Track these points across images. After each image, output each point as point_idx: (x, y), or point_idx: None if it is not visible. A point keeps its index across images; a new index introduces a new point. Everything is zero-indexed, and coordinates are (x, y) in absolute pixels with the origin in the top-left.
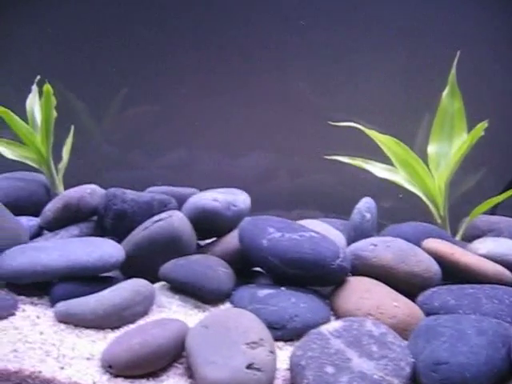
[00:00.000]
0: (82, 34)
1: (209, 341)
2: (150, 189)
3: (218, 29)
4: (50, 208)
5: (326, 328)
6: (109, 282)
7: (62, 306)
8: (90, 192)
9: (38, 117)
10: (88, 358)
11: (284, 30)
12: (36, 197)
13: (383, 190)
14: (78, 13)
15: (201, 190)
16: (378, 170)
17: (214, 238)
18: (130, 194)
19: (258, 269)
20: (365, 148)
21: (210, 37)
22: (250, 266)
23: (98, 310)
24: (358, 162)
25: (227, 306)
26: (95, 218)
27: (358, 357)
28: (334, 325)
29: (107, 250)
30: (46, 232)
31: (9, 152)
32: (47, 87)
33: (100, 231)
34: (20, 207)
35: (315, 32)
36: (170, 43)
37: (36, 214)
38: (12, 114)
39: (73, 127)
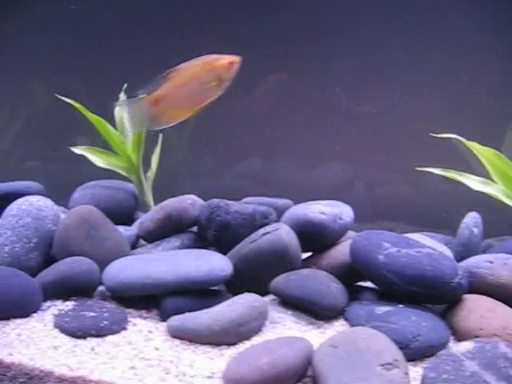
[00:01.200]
0: (159, 47)
1: (340, 361)
2: (246, 199)
3: (299, 38)
4: (151, 218)
5: (457, 349)
6: (217, 296)
7: (175, 320)
8: (191, 203)
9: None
10: (209, 377)
11: (374, 44)
12: (125, 205)
13: (465, 202)
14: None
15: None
16: (472, 182)
17: (311, 252)
18: (234, 205)
19: (363, 284)
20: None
21: (292, 47)
22: (356, 281)
23: (214, 325)
24: (451, 175)
25: (341, 322)
26: (194, 228)
27: (495, 380)
28: (466, 346)
29: (217, 263)
30: (142, 242)
31: (99, 160)
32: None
33: (201, 243)
34: (110, 216)
35: (400, 45)
36: (250, 53)
37: (125, 223)
38: (105, 122)
39: (161, 136)
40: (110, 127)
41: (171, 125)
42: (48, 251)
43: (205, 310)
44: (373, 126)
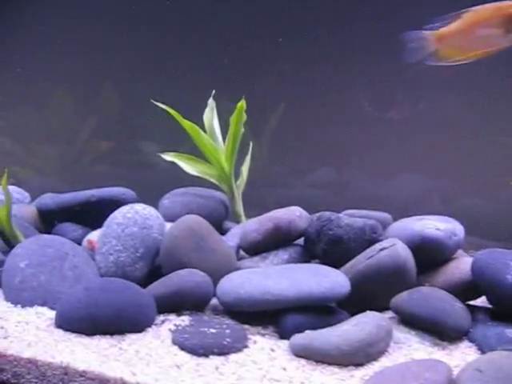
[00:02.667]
0: (247, 52)
1: None
2: (347, 212)
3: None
4: (256, 229)
5: None
6: (334, 314)
7: (301, 339)
8: (299, 215)
9: (218, 132)
10: None
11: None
12: (216, 214)
13: None
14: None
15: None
16: None
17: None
18: (344, 218)
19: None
20: None
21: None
22: (470, 299)
23: (342, 345)
24: None
25: (466, 344)
26: (299, 241)
27: None
28: None
29: (336, 279)
30: (243, 254)
31: (190, 168)
32: (242, 103)
33: (307, 256)
34: None
35: None
36: (324, 64)
37: None
38: (199, 129)
39: (251, 144)
40: (204, 135)
41: (448, 64)
42: (153, 262)
43: (330, 329)
44: (450, 136)
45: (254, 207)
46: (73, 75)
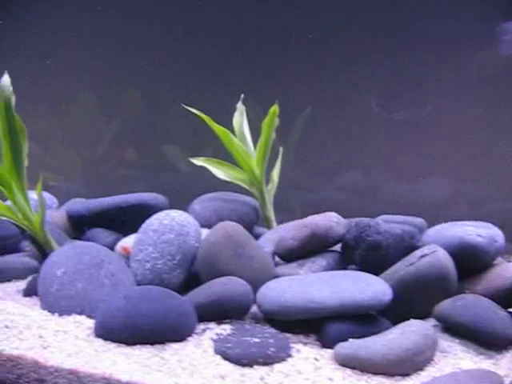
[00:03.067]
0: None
1: None
2: (382, 217)
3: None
4: (293, 236)
5: None
6: (376, 322)
7: (346, 348)
8: (336, 221)
9: (249, 137)
10: None
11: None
12: (247, 219)
13: None
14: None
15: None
16: None
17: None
18: (383, 225)
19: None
20: None
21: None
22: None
23: (389, 355)
24: None
25: None
26: (336, 247)
27: None
28: None
29: (378, 286)
30: (278, 260)
31: (220, 173)
32: (275, 108)
33: (345, 263)
34: None
35: None
36: (352, 66)
37: None
38: (230, 134)
39: (281, 149)
40: (236, 140)
41: None
42: (190, 269)
43: (374, 338)
44: (482, 138)
45: (280, 211)
46: (97, 78)
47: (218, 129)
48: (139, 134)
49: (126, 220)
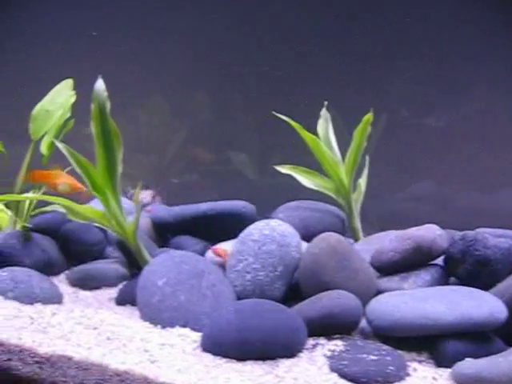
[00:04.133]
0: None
1: None
2: (480, 230)
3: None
4: (394, 248)
5: None
6: (490, 340)
7: (467, 368)
8: (439, 234)
9: (335, 145)
10: None
11: None
12: (334, 230)
13: None
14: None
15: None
16: None
17: None
18: (490, 238)
19: None
20: None
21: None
22: None
23: None
24: None
25: None
26: (437, 261)
27: None
28: None
29: (494, 303)
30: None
31: (307, 181)
32: (369, 116)
33: (447, 277)
34: None
35: None
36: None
37: None
38: (320, 142)
39: (368, 157)
40: (326, 148)
41: None
42: (290, 281)
43: (495, 358)
44: None
45: None
46: (168, 82)
47: (308, 136)
48: (207, 139)
49: (211, 227)
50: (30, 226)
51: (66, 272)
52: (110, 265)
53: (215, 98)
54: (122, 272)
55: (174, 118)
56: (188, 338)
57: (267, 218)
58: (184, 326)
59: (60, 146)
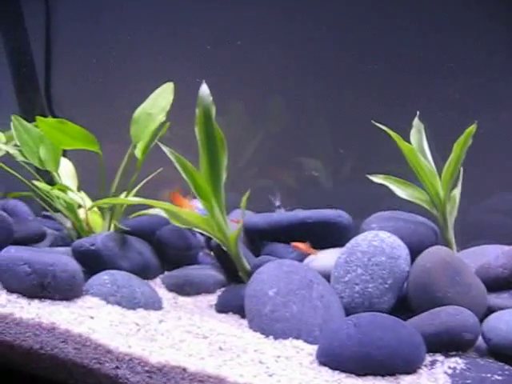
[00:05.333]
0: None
1: None
2: None
3: None
4: (504, 264)
5: None
6: None
7: None
8: None
9: (430, 156)
10: None
11: None
12: (428, 242)
13: None
14: None
15: None
16: None
17: None
18: None
19: None
20: None
21: None
22: None
23: None
24: None
25: None
26: None
27: None
28: None
29: None
30: None
31: (401, 191)
32: (472, 128)
33: None
34: (412, 253)
35: None
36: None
37: None
38: (418, 152)
39: (461, 169)
40: (423, 159)
41: None
42: (399, 294)
43: None
44: None
45: None
46: (242, 87)
47: (405, 146)
48: (280, 145)
49: (304, 235)
50: (127, 228)
51: (161, 276)
52: (207, 271)
53: (291, 104)
54: (219, 279)
55: (249, 123)
56: (303, 351)
57: (364, 229)
58: (297, 337)
59: (166, 150)
